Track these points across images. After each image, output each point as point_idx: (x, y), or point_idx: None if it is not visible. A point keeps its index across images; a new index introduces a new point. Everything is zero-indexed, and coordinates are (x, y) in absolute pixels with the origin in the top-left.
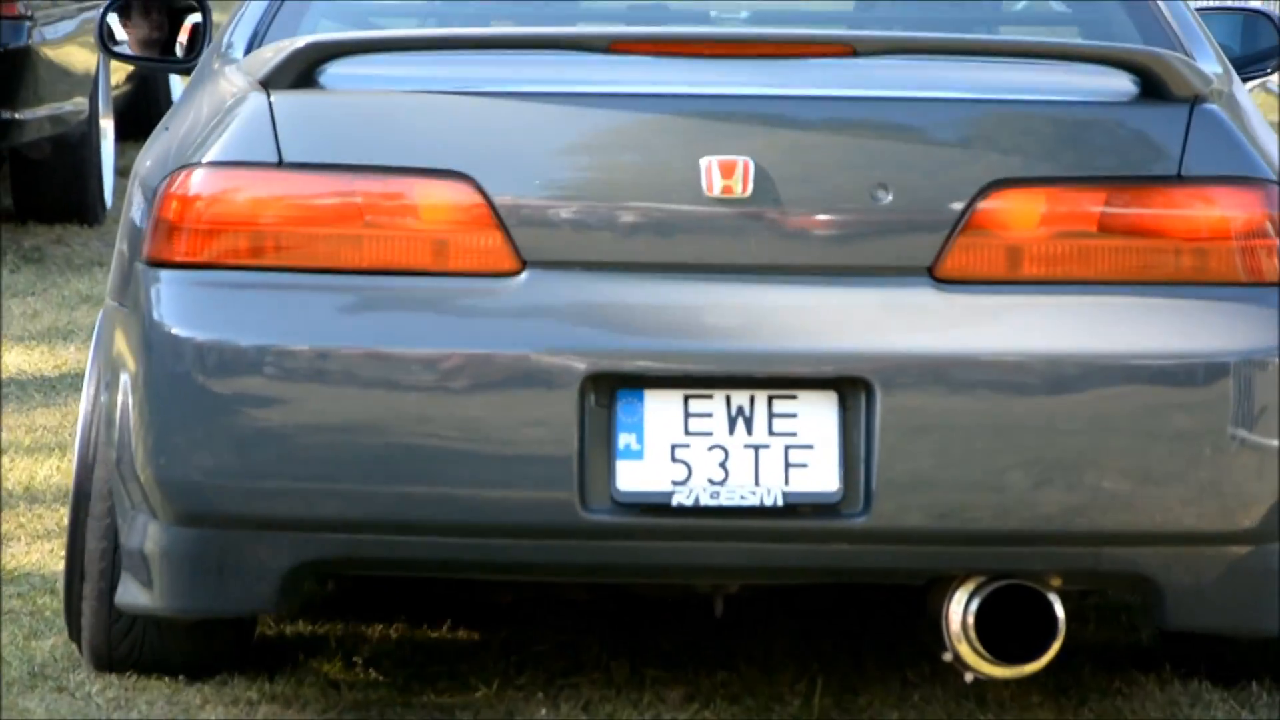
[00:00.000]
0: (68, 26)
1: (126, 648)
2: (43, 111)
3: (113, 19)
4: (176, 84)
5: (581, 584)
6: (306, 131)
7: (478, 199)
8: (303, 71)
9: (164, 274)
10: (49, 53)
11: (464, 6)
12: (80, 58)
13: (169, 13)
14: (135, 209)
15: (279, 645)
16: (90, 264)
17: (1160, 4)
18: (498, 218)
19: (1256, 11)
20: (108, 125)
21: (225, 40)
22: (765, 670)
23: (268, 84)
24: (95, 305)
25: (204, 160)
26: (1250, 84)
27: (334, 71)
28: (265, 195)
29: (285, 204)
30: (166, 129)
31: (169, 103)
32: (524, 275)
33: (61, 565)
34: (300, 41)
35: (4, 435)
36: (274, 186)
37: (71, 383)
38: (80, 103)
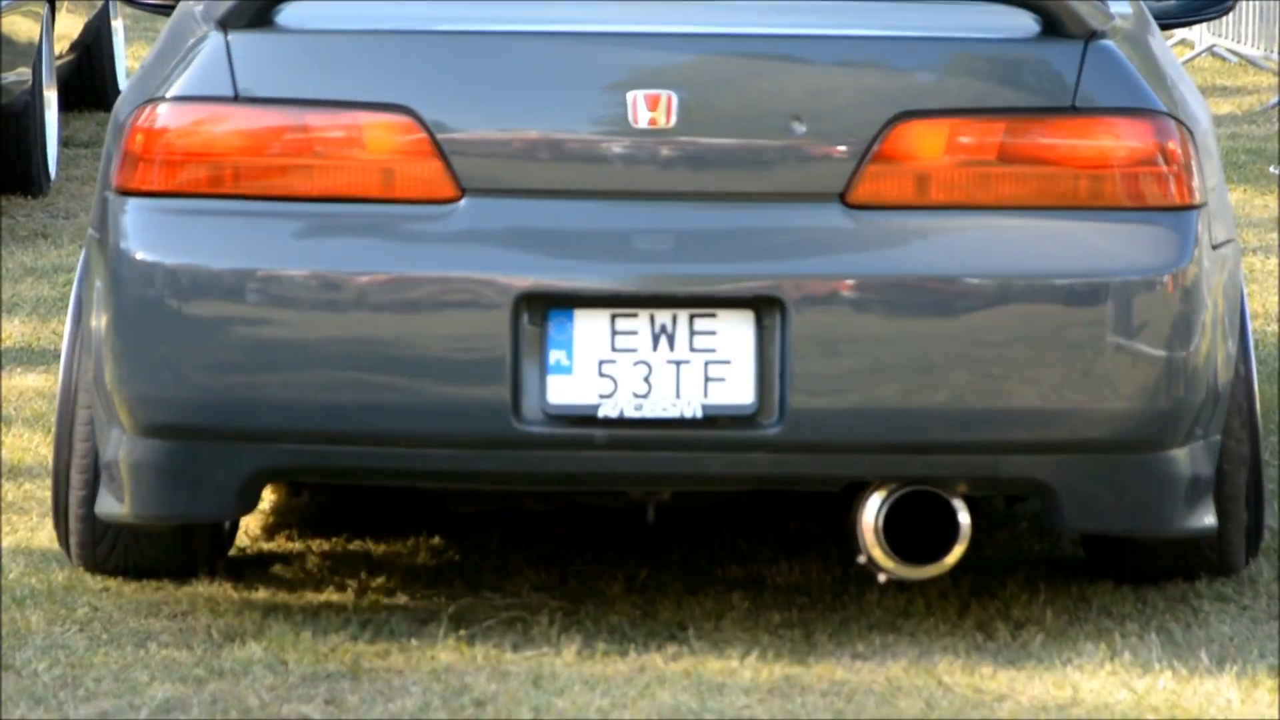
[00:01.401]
0: None
1: (108, 553)
2: None
3: None
4: (121, 52)
5: (533, 494)
6: (260, 68)
7: (419, 130)
8: (258, 11)
9: (130, 202)
10: None
11: None
12: (23, 27)
13: None
14: (109, 139)
15: (227, 609)
16: (34, 236)
17: None
18: (438, 148)
19: None
20: (51, 95)
21: None
22: (716, 644)
23: (225, 24)
24: (39, 278)
25: (166, 95)
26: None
27: (289, 11)
28: (221, 128)
29: (240, 136)
30: (144, 65)
31: (114, 71)
32: (463, 202)
33: (7, 541)
34: None
35: None
36: (229, 120)
37: (17, 356)
38: (23, 73)
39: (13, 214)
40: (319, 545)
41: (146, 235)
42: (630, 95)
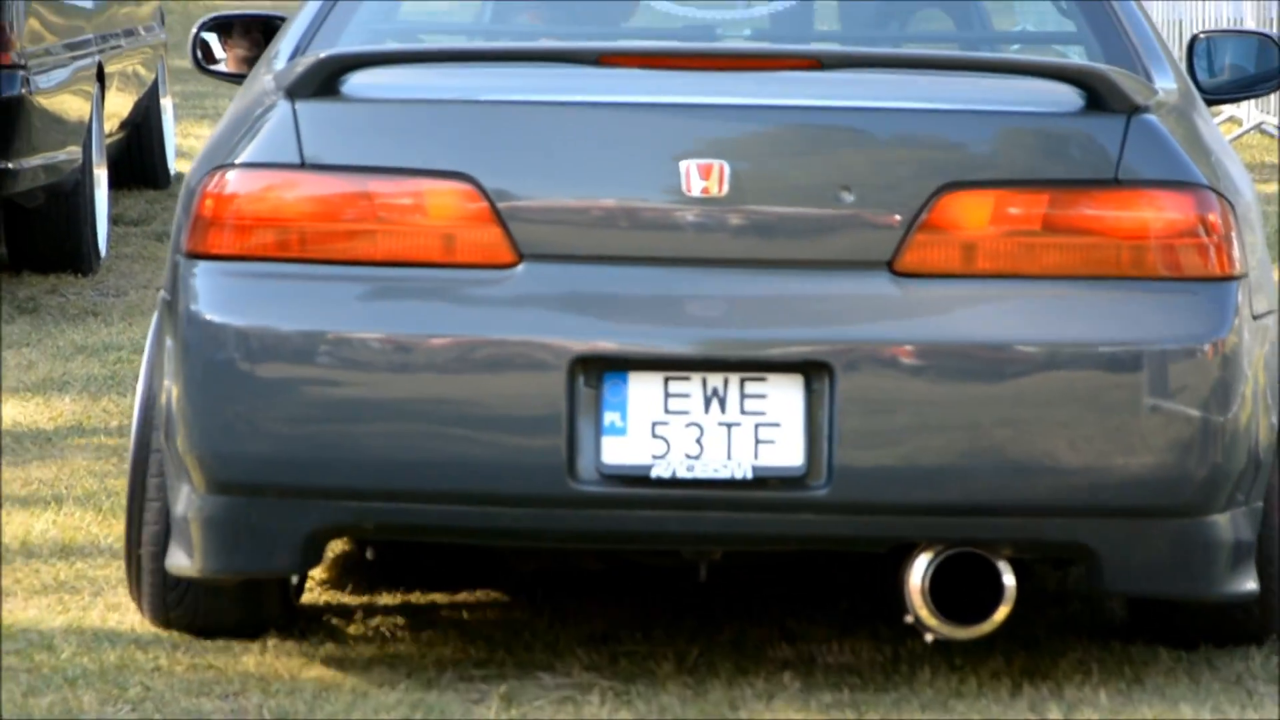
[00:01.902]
0: (61, 75)
1: (180, 610)
2: (36, 160)
3: (210, 37)
4: (170, 131)
5: (588, 553)
6: (326, 136)
7: (479, 198)
8: (324, 81)
9: (200, 265)
10: (43, 101)
11: (495, 26)
12: (74, 106)
13: (264, 30)
14: (180, 205)
15: (279, 690)
16: (85, 314)
17: (1127, 26)
18: (497, 214)
19: (1266, 36)
20: (101, 174)
21: (273, 51)
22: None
23: (293, 93)
24: (90, 356)
25: (235, 161)
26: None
27: (354, 81)
28: (288, 194)
29: (306, 202)
30: (215, 134)
31: (163, 150)
32: (521, 267)
33: (59, 620)
34: (322, 54)
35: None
36: (296, 186)
37: (67, 435)
38: (74, 151)
39: (63, 292)
40: (383, 598)
41: (215, 298)
42: (684, 165)
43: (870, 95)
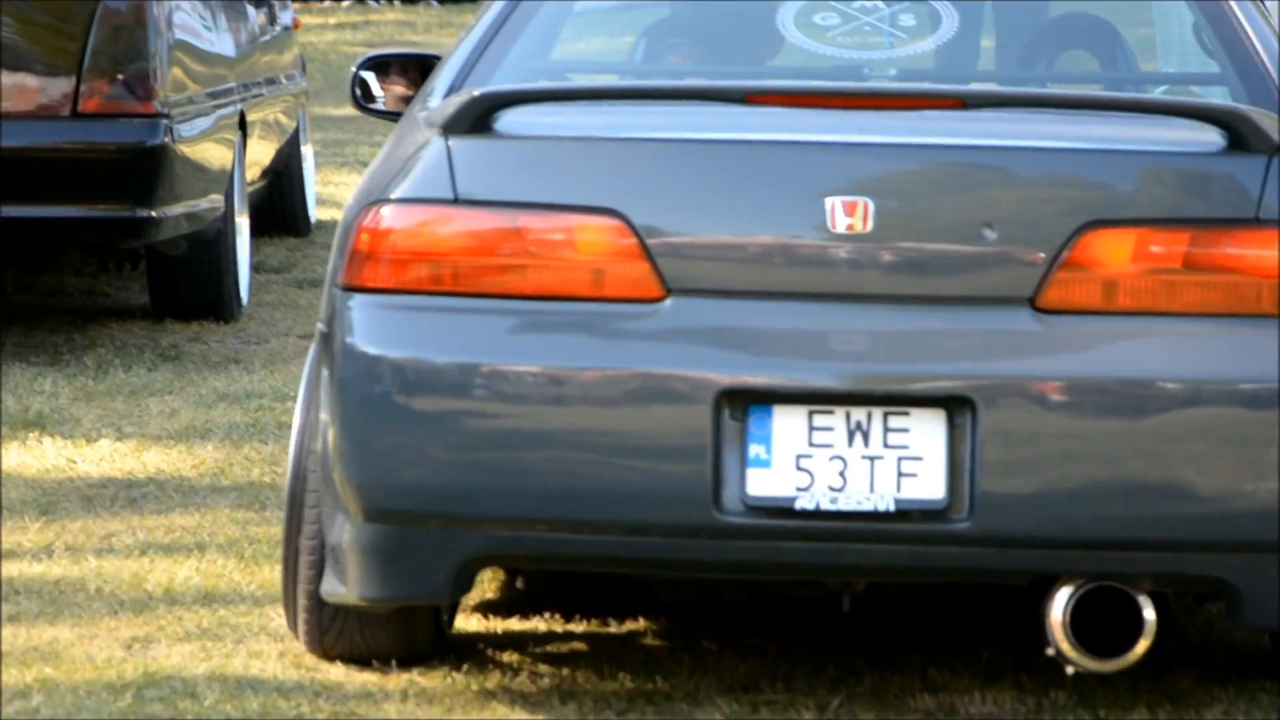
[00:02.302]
0: (204, 124)
1: (335, 637)
2: (179, 209)
3: (369, 76)
4: (311, 178)
5: (733, 583)
6: (479, 172)
7: (628, 233)
8: (478, 119)
9: (355, 298)
10: (186, 150)
11: (645, 65)
12: (216, 154)
13: (421, 69)
14: (336, 240)
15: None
16: (227, 361)
17: (1270, 67)
18: (645, 250)
19: None
20: (243, 222)
21: (428, 89)
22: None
23: (447, 130)
24: (231, 403)
25: (390, 197)
26: None
27: (507, 118)
28: (442, 229)
29: (460, 236)
30: (371, 170)
31: (304, 197)
32: (668, 302)
33: (201, 668)
34: (475, 92)
35: (142, 536)
36: (450, 221)
37: (210, 482)
38: (216, 200)
39: (205, 340)
40: (531, 628)
41: (371, 330)
42: (830, 202)
43: (1014, 134)
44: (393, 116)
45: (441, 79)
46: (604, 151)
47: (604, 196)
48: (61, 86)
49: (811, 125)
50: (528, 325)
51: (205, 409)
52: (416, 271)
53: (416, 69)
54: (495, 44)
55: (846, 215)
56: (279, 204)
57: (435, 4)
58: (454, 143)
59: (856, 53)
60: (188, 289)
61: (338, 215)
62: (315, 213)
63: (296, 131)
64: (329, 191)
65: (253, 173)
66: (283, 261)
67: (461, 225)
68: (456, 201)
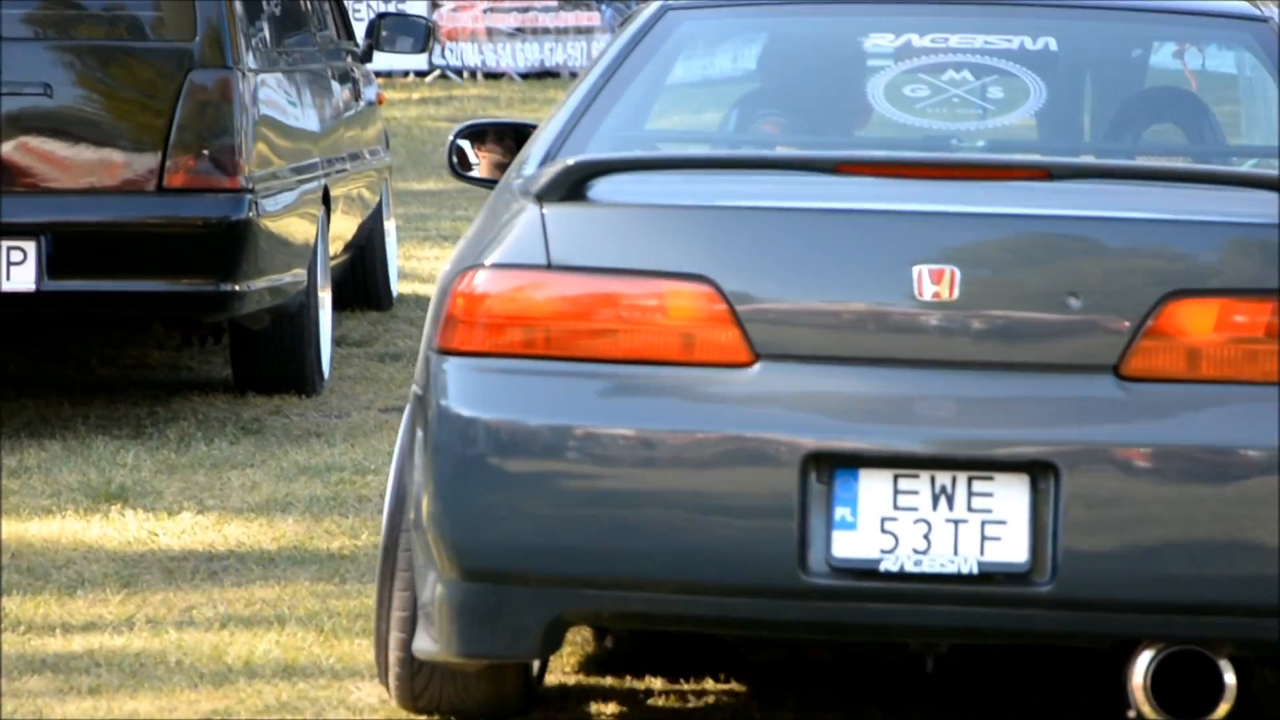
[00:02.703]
0: (288, 198)
1: (426, 693)
2: (263, 283)
3: (464, 144)
4: (393, 253)
5: (822, 645)
6: (572, 239)
7: (718, 299)
8: (572, 186)
9: (450, 360)
10: (269, 225)
11: (735, 134)
12: (300, 229)
13: (516, 137)
14: (432, 304)
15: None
16: (308, 434)
17: None
18: (735, 315)
19: None
20: (325, 296)
21: (523, 157)
22: None
23: (541, 197)
24: (312, 477)
25: (485, 263)
26: None
27: (599, 186)
28: (536, 294)
29: (553, 301)
30: (467, 236)
31: (386, 272)
32: (757, 366)
33: None
34: (569, 161)
35: (223, 609)
36: (543, 286)
37: (290, 555)
38: (299, 274)
39: (287, 413)
40: (621, 685)
41: (465, 392)
42: (917, 269)
43: (1098, 205)
44: (488, 183)
45: (536, 148)
46: (695, 219)
47: (695, 263)
48: (147, 161)
49: (900, 195)
50: (619, 388)
51: (286, 482)
52: (510, 335)
53: (511, 137)
54: (589, 114)
55: (933, 283)
56: (361, 278)
57: (517, 79)
58: (548, 210)
59: (945, 124)
60: (270, 362)
61: (420, 289)
62: (397, 287)
63: (379, 206)
64: (411, 265)
65: (335, 247)
66: (364, 335)
67: (555, 290)
68: (550, 267)
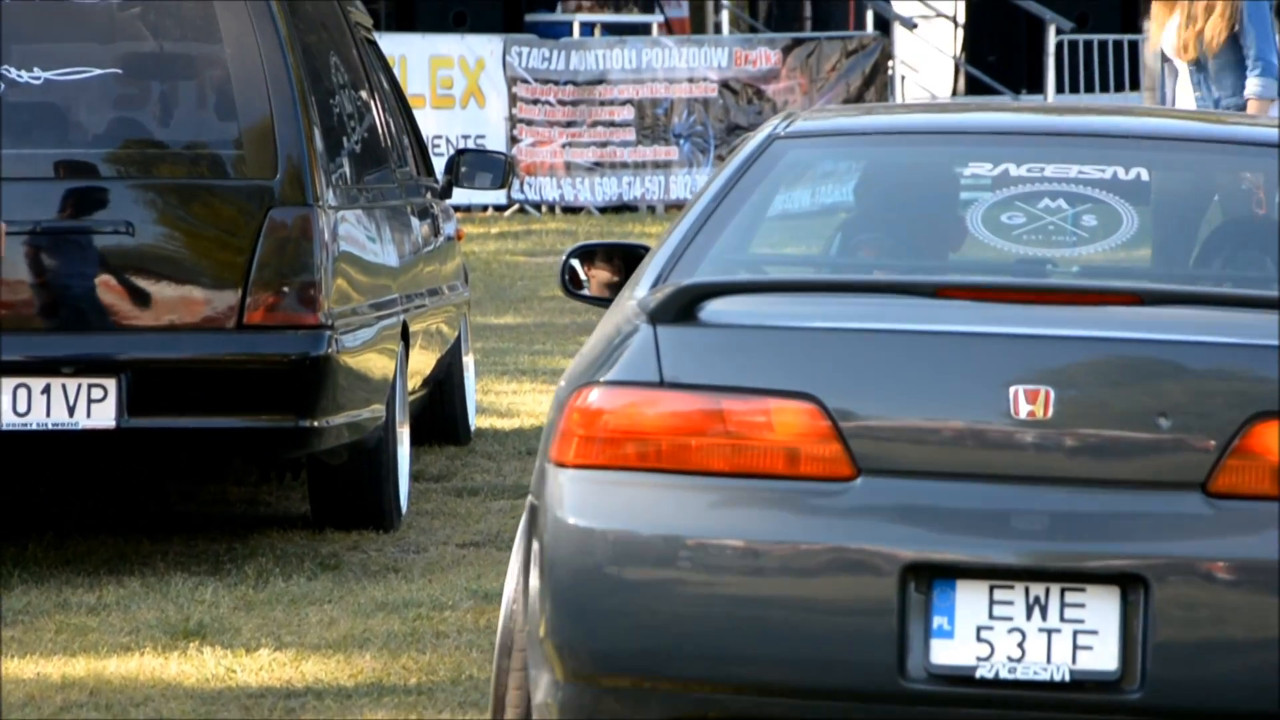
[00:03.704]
0: (367, 334)
1: None
2: (341, 419)
3: (575, 263)
4: (471, 388)
5: None
6: (684, 358)
7: (822, 416)
8: (683, 308)
9: (565, 473)
10: (349, 361)
11: (839, 259)
12: (379, 365)
13: (624, 258)
14: (549, 418)
15: None
16: (386, 570)
17: None
18: (838, 432)
19: None
20: (404, 431)
21: (635, 279)
22: None
23: (655, 318)
24: (390, 613)
25: (601, 380)
26: None
27: (710, 308)
28: (648, 410)
29: (665, 417)
30: (581, 354)
31: (464, 406)
32: (859, 481)
33: None
34: (681, 283)
35: None
36: (656, 403)
37: (367, 691)
38: (378, 410)
39: (364, 549)
40: None
41: (579, 502)
42: (1012, 390)
43: (1187, 329)
44: (597, 302)
45: (648, 271)
46: (801, 340)
47: (800, 381)
48: (228, 298)
49: (997, 318)
50: (727, 500)
51: (363, 618)
52: (624, 449)
53: (620, 257)
54: (699, 239)
55: (1028, 403)
56: (439, 412)
57: (596, 213)
58: (661, 330)
59: (1040, 250)
60: (348, 498)
61: (498, 424)
62: (475, 421)
63: (458, 340)
64: (489, 400)
65: (414, 382)
66: (442, 470)
67: (667, 407)
68: (663, 385)
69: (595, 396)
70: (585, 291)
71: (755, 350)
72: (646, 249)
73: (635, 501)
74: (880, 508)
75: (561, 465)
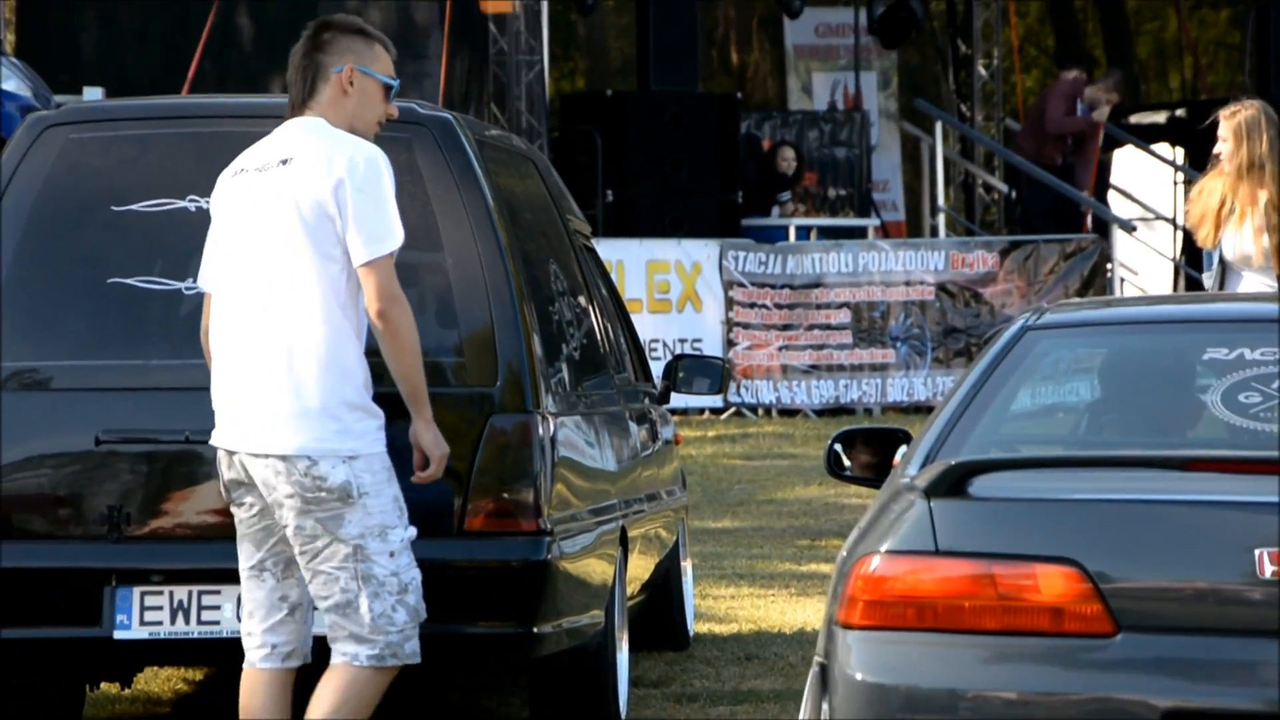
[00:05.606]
0: (586, 540)
1: None
2: (561, 625)
3: (838, 448)
4: (689, 592)
5: None
6: (956, 528)
7: (1083, 579)
8: (954, 483)
9: (851, 634)
10: (568, 567)
11: (1086, 436)
12: (598, 570)
13: (883, 441)
14: (833, 584)
15: None
16: None
17: None
18: (1099, 593)
19: None
20: (623, 637)
21: (906, 459)
22: None
23: (929, 493)
24: None
25: (881, 549)
26: None
27: (979, 483)
28: (925, 576)
29: (940, 582)
30: (861, 527)
31: (682, 611)
32: (1119, 637)
33: None
34: (951, 462)
35: None
36: (932, 570)
37: None
38: (597, 615)
39: None
40: None
41: (866, 660)
42: (1257, 552)
43: None
44: (861, 481)
45: (918, 452)
46: (1063, 511)
47: (1063, 548)
48: (447, 504)
49: (1240, 488)
50: (998, 656)
51: None
52: (903, 611)
53: (879, 440)
54: (962, 422)
55: (1272, 564)
56: (657, 617)
57: (812, 415)
58: (935, 504)
59: (1274, 426)
60: (567, 703)
61: (716, 629)
62: (693, 626)
63: (676, 545)
64: (707, 605)
65: (633, 587)
66: (661, 675)
67: (943, 572)
68: (937, 553)
69: (878, 564)
70: (848, 473)
71: (1021, 520)
72: (904, 432)
73: (916, 658)
74: (1139, 661)
75: (848, 627)
